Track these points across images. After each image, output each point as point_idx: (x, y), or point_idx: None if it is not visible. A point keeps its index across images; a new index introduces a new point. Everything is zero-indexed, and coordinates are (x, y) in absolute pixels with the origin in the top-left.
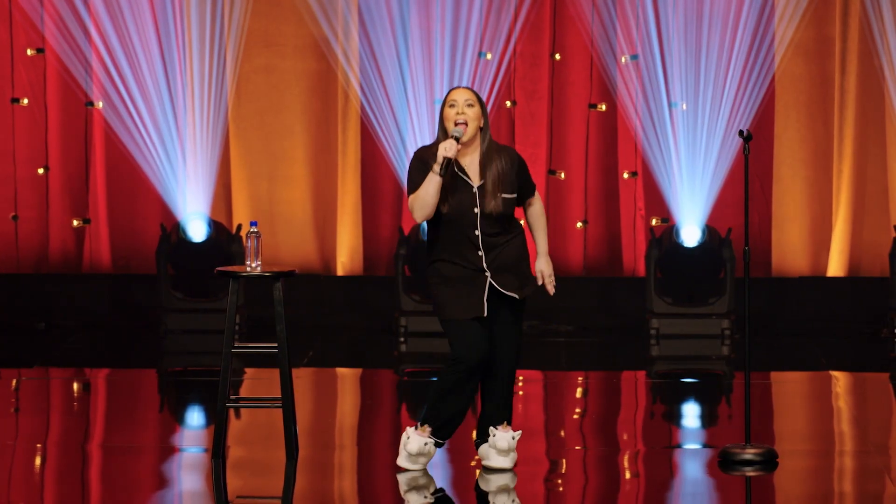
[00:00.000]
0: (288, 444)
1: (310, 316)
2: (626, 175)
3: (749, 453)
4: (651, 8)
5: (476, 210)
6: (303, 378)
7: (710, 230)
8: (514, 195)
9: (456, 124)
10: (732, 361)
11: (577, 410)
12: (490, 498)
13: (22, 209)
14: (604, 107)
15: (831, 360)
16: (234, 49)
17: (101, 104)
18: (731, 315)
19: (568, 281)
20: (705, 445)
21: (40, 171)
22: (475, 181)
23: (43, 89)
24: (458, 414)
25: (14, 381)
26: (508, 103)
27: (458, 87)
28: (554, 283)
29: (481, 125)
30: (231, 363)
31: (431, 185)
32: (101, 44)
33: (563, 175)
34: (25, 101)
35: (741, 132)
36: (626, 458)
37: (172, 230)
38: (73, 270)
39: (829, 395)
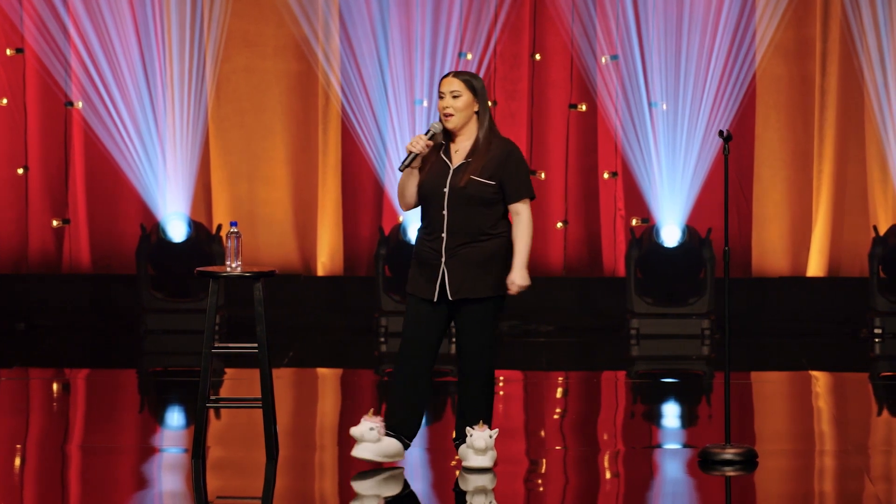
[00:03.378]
0: (268, 444)
1: (290, 316)
2: (606, 175)
3: (729, 453)
4: (631, 8)
5: (445, 189)
6: (283, 378)
7: (690, 230)
8: (491, 182)
9: (446, 116)
10: (712, 361)
11: (558, 410)
12: (468, 498)
13: (1, 209)
14: (584, 107)
15: (811, 360)
16: (214, 49)
17: (80, 104)
18: (711, 315)
19: (548, 281)
20: (685, 445)
21: (20, 171)
22: (456, 163)
23: (22, 89)
24: (405, 405)
25: None
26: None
27: (449, 74)
28: (517, 288)
29: (476, 110)
30: (211, 363)
31: (403, 178)
32: (80, 44)
33: (543, 175)
34: (4, 101)
35: (721, 132)
36: (606, 458)
37: (152, 230)
38: (53, 271)
39: (809, 395)
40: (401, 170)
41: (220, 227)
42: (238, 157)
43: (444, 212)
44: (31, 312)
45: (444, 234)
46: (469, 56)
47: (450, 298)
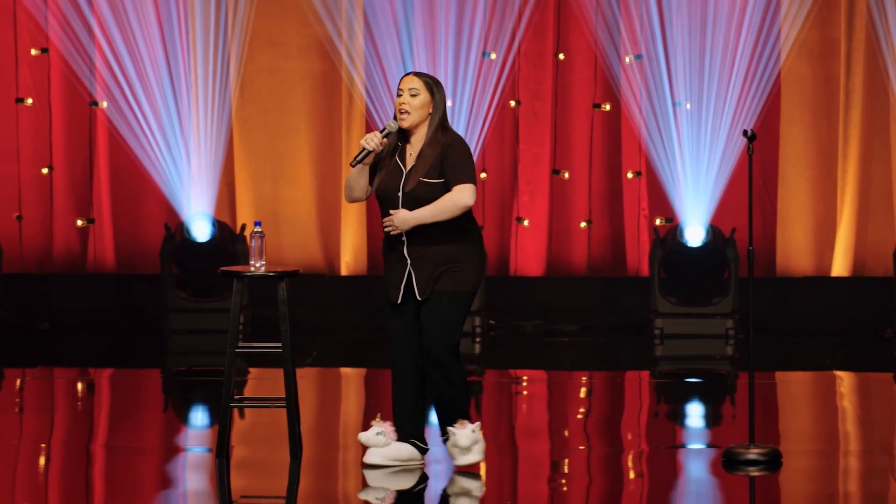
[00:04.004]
0: (292, 443)
1: (314, 316)
2: (630, 175)
3: (753, 453)
4: (655, 7)
5: (399, 193)
6: (307, 378)
7: (714, 230)
8: (439, 181)
9: (401, 112)
10: (736, 361)
11: (581, 410)
12: (450, 500)
13: (26, 209)
14: (608, 106)
15: (835, 360)
16: (238, 49)
17: (105, 104)
18: (735, 315)
19: (571, 280)
20: (709, 445)
21: (44, 170)
22: (408, 166)
23: (47, 89)
24: (407, 411)
25: (18, 381)
26: (512, 103)
27: (410, 73)
28: (390, 225)
29: (430, 111)
30: (235, 363)
31: (352, 173)
32: (105, 44)
33: (566, 175)
34: (30, 100)
35: (745, 132)
36: (629, 458)
37: (177, 230)
38: (78, 270)
39: (834, 395)
40: (352, 165)
41: (244, 227)
42: (262, 157)
43: None
44: (56, 312)
45: (404, 237)
46: (493, 56)
47: (418, 298)
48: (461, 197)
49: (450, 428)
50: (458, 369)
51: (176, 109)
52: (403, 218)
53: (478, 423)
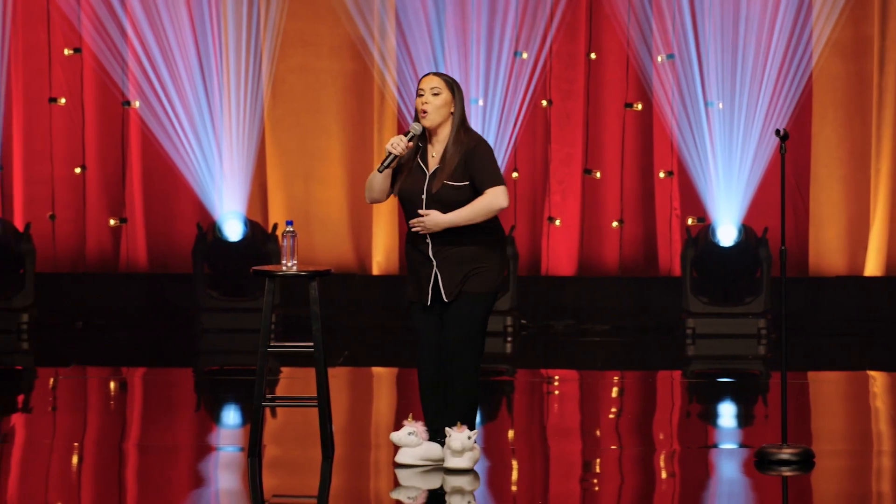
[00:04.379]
0: (324, 443)
1: (345, 315)
2: (661, 174)
3: (786, 453)
4: (687, 7)
5: (423, 196)
6: (338, 377)
7: (746, 229)
8: (465, 183)
9: (423, 112)
10: (769, 361)
11: (613, 410)
12: (446, 498)
13: (59, 209)
14: (640, 106)
15: (869, 360)
16: (270, 49)
17: (137, 104)
18: (768, 315)
19: (603, 280)
20: (742, 445)
21: (77, 170)
22: (431, 168)
23: (80, 89)
24: (434, 407)
25: (51, 380)
26: (544, 103)
27: (430, 73)
28: (419, 226)
29: (452, 110)
30: (267, 362)
31: (376, 177)
32: (137, 43)
33: (598, 174)
34: (63, 100)
35: (778, 131)
36: (661, 457)
37: (209, 229)
38: (110, 270)
39: (867, 395)
40: (380, 171)
41: (275, 227)
42: (294, 157)
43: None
44: (89, 311)
45: (428, 240)
46: (525, 55)
47: (445, 300)
48: (496, 200)
49: (447, 428)
50: (473, 374)
51: (208, 109)
52: (435, 221)
53: (476, 433)
